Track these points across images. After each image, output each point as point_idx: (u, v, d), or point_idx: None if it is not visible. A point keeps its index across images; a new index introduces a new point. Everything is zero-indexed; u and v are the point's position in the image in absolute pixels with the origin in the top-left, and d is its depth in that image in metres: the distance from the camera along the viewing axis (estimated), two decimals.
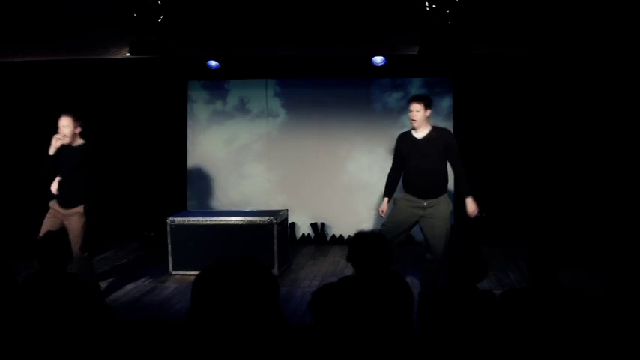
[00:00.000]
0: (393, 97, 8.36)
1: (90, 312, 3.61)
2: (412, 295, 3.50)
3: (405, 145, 5.59)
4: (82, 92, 8.22)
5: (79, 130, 5.57)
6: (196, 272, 1.59)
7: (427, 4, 4.75)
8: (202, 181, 8.75)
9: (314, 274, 6.88)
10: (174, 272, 6.71)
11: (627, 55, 6.98)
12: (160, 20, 4.99)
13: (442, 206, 5.40)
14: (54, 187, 5.44)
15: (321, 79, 8.40)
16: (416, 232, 8.32)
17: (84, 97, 8.18)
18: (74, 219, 5.50)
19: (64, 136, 5.47)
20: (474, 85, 8.12)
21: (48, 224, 5.50)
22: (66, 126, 5.48)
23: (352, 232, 6.78)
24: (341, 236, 8.43)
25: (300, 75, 8.37)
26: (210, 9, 5.28)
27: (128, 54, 5.69)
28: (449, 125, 8.12)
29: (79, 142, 5.58)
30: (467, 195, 5.47)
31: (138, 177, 8.53)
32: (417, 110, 5.42)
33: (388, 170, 5.81)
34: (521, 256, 6.87)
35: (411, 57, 6.91)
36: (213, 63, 7.95)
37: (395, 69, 7.96)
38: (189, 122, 8.73)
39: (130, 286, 6.38)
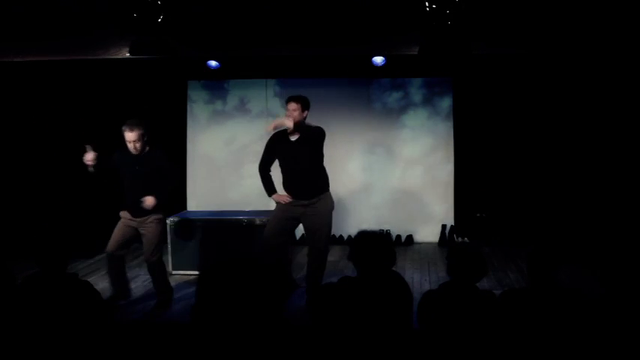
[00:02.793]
0: (393, 97, 8.36)
1: (90, 312, 3.61)
2: (412, 295, 3.50)
3: (279, 145, 5.61)
4: (82, 92, 8.23)
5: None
6: (196, 272, 1.59)
7: (427, 4, 4.74)
8: (202, 181, 8.74)
9: None
10: (174, 272, 6.70)
11: (627, 55, 6.98)
12: (159, 20, 4.98)
13: (323, 203, 5.61)
14: (150, 201, 5.35)
15: (321, 79, 8.39)
16: (415, 232, 8.36)
17: (84, 98, 8.20)
18: (151, 226, 5.46)
19: (136, 149, 5.41)
20: (474, 85, 8.12)
21: (119, 234, 5.51)
22: (139, 139, 5.38)
23: (352, 232, 6.79)
24: (341, 236, 8.43)
25: (300, 75, 8.36)
26: (211, 9, 5.27)
27: (128, 54, 5.69)
28: (449, 125, 8.18)
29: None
30: None
31: None
32: (294, 109, 5.44)
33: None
34: (521, 256, 6.86)
35: (411, 57, 6.91)
36: (213, 63, 7.95)
37: (395, 69, 7.96)
38: (189, 122, 8.73)
39: (130, 286, 6.37)
